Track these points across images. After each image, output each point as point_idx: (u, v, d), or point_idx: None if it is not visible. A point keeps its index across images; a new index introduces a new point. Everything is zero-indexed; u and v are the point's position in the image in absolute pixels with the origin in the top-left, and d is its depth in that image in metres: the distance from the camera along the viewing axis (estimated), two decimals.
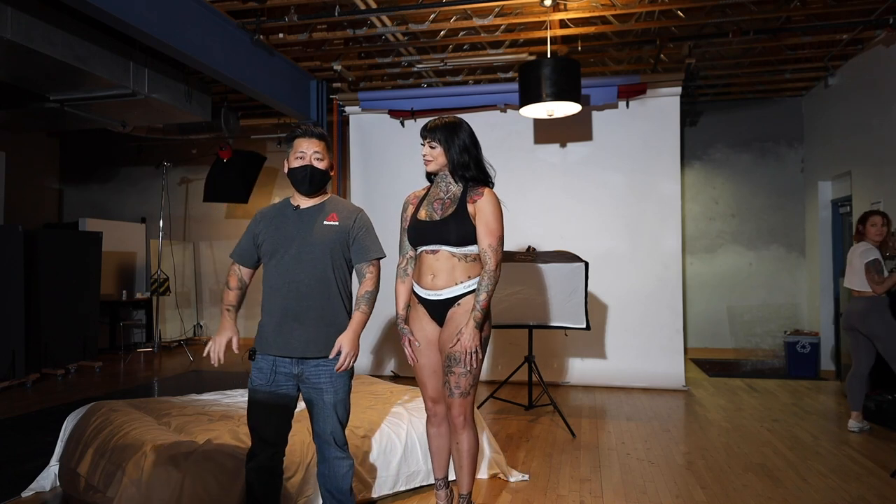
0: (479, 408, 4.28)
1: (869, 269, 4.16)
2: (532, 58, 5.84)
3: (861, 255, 4.23)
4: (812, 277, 7.12)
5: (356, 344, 2.31)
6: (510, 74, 6.55)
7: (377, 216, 7.03)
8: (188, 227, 9.35)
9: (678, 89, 5.99)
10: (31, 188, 9.13)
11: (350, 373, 2.39)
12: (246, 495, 2.39)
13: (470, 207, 2.45)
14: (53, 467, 3.23)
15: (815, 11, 5.10)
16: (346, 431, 2.99)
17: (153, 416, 3.19)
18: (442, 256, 2.46)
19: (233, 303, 2.41)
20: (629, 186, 6.10)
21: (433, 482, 2.76)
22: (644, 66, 6.45)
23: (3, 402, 5.32)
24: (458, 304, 2.45)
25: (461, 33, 5.61)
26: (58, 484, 3.18)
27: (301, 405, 2.41)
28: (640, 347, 5.99)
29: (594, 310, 5.79)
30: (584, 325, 4.62)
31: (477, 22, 5.23)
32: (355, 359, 2.31)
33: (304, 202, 2.39)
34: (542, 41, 5.55)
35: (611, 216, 6.13)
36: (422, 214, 2.52)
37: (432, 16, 5.20)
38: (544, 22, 5.20)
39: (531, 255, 4.72)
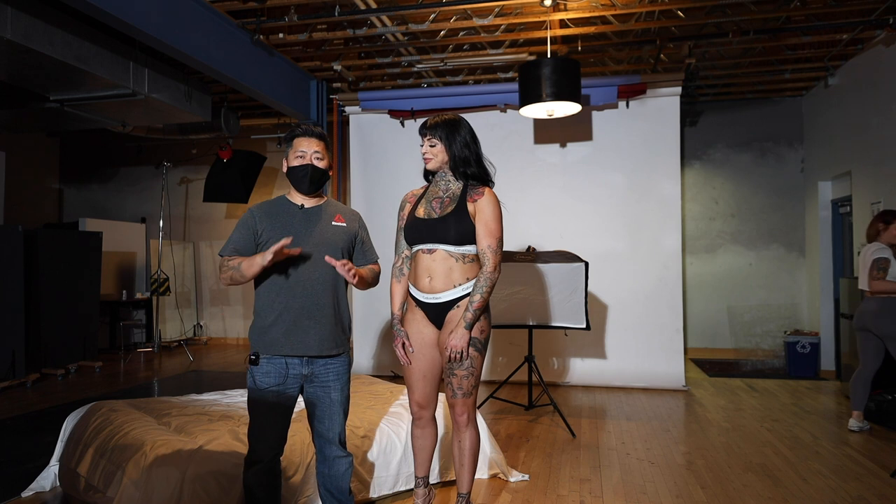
0: (479, 408, 4.28)
1: (872, 266, 4.14)
2: (532, 58, 5.85)
3: (872, 253, 4.20)
4: (812, 277, 7.12)
5: (359, 271, 2.34)
6: (510, 74, 6.55)
7: (377, 216, 7.03)
8: (188, 227, 9.35)
9: (678, 89, 5.99)
10: (31, 188, 9.14)
11: (350, 370, 2.42)
12: (246, 500, 2.35)
13: (470, 206, 2.42)
14: (53, 467, 3.23)
15: (815, 11, 5.10)
16: (346, 431, 3.01)
17: (153, 416, 3.19)
18: (439, 256, 2.43)
19: None
20: (629, 186, 6.10)
21: (433, 482, 2.76)
22: (644, 66, 6.45)
23: (3, 402, 5.32)
24: (458, 307, 2.43)
25: (461, 33, 5.61)
26: (58, 484, 3.18)
27: (298, 405, 2.41)
28: (640, 347, 5.99)
29: (594, 310, 5.79)
30: (584, 325, 4.62)
31: (477, 22, 5.23)
32: (355, 280, 2.27)
33: (307, 202, 2.39)
34: (542, 41, 5.55)
35: (611, 216, 6.13)
36: (420, 212, 2.50)
37: (432, 16, 5.20)
38: (544, 22, 5.20)
39: (531, 255, 4.72)
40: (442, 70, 6.53)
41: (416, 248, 2.50)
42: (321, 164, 2.34)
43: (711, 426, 4.54)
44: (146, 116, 6.65)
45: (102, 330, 8.12)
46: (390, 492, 3.08)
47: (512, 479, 3.38)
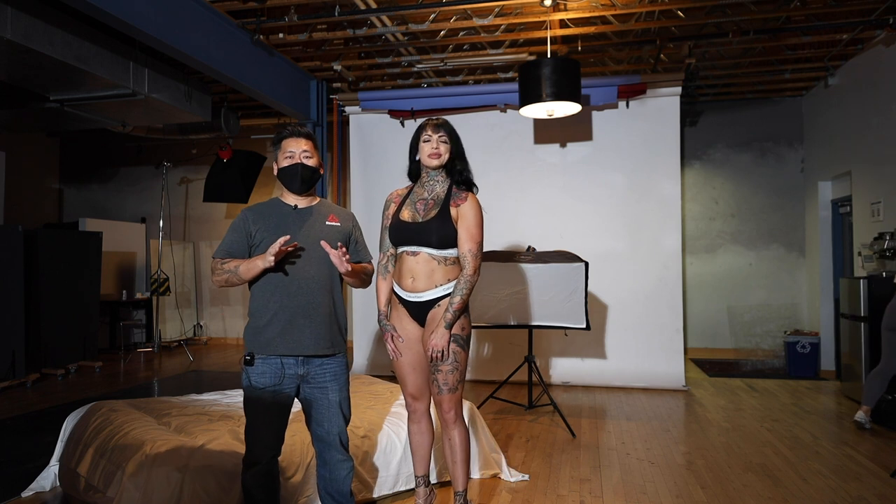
0: (479, 408, 4.28)
1: None
2: (532, 58, 5.85)
3: None
4: (812, 277, 7.12)
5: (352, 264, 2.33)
6: (510, 74, 6.55)
7: (377, 216, 7.01)
8: (188, 227, 9.35)
9: (678, 89, 5.99)
10: (31, 188, 9.14)
11: (348, 371, 2.42)
12: (245, 502, 2.35)
13: (453, 211, 2.50)
14: (53, 467, 3.23)
15: (815, 11, 5.10)
16: (347, 432, 3.00)
17: (153, 416, 3.19)
18: (422, 259, 2.49)
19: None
20: (629, 186, 6.10)
21: (433, 483, 2.77)
22: (644, 66, 6.45)
23: (3, 402, 5.32)
24: (438, 306, 2.50)
25: (461, 33, 5.61)
26: (58, 484, 3.18)
27: (297, 405, 2.41)
28: (640, 347, 5.99)
29: (594, 310, 5.79)
30: (584, 325, 4.62)
31: (477, 22, 5.23)
32: (348, 268, 2.26)
33: (300, 202, 2.39)
34: (542, 41, 5.55)
35: (611, 216, 6.13)
36: (405, 215, 2.55)
37: (432, 16, 5.20)
38: (544, 22, 5.20)
39: (531, 255, 4.72)
40: (442, 70, 6.53)
41: (400, 250, 2.57)
42: (310, 163, 2.35)
43: (711, 426, 4.54)
44: (146, 116, 6.65)
45: (102, 330, 8.12)
46: (390, 492, 3.08)
47: (512, 479, 3.38)
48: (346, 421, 2.40)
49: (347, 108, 6.64)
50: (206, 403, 3.52)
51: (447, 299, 2.48)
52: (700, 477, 3.45)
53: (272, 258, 2.15)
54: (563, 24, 5.33)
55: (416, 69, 6.36)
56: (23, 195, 8.82)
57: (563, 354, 6.17)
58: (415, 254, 2.50)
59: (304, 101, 6.50)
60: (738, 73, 6.54)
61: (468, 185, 2.59)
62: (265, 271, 2.25)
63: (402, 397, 3.58)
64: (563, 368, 6.15)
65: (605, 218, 6.14)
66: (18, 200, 8.58)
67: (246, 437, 2.32)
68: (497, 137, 6.32)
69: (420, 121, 6.21)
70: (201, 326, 9.15)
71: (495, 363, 6.13)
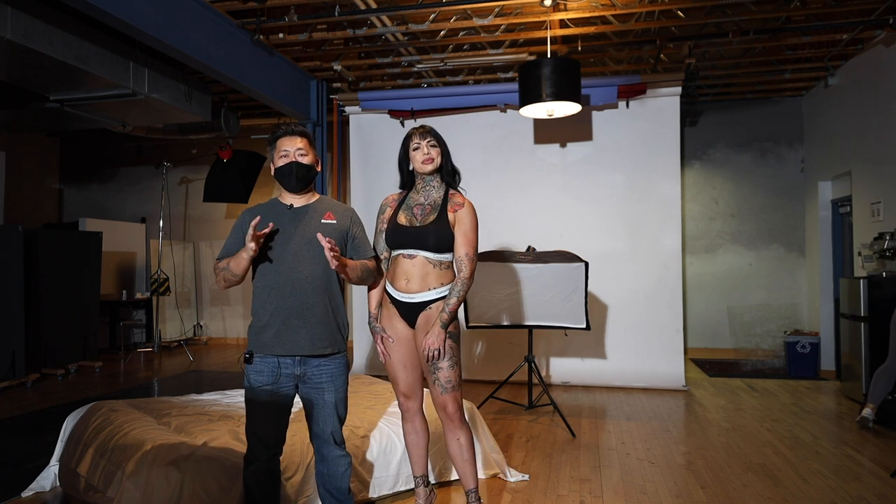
0: (479, 407, 4.28)
1: None
2: (532, 58, 5.84)
3: None
4: (812, 277, 7.12)
5: (343, 259, 2.30)
6: (510, 74, 6.55)
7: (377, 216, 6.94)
8: (188, 227, 9.35)
9: (678, 89, 5.99)
10: (31, 188, 9.14)
11: (347, 371, 2.42)
12: (245, 499, 2.37)
13: (450, 216, 2.53)
14: (53, 467, 3.23)
15: (815, 11, 5.10)
16: (346, 431, 3.00)
17: (153, 416, 3.19)
18: (418, 262, 2.52)
19: None
20: (629, 186, 6.10)
21: (432, 483, 2.77)
22: (644, 66, 6.44)
23: (3, 402, 5.32)
24: (430, 308, 2.52)
25: (461, 33, 5.60)
26: (58, 484, 3.18)
27: (297, 405, 2.41)
28: (640, 347, 5.99)
29: (594, 310, 5.79)
30: (584, 325, 4.62)
31: (477, 22, 5.23)
32: (336, 263, 2.22)
33: (297, 201, 2.40)
34: (542, 41, 5.55)
35: (611, 216, 6.13)
36: (402, 219, 2.57)
37: (432, 16, 5.20)
38: (544, 22, 5.20)
39: (531, 255, 4.72)
40: (442, 70, 6.53)
41: (396, 252, 2.58)
42: (305, 160, 2.35)
43: (711, 426, 4.54)
44: (146, 116, 6.65)
45: (102, 330, 8.12)
46: (390, 492, 3.08)
47: (512, 479, 3.38)
48: (341, 421, 2.40)
49: (347, 108, 6.64)
50: (206, 403, 3.52)
51: (439, 302, 2.50)
52: (700, 477, 3.45)
53: (252, 245, 2.17)
54: (563, 24, 5.33)
55: (416, 69, 6.36)
56: (23, 195, 8.82)
57: (563, 354, 6.17)
58: (411, 257, 2.53)
59: (304, 101, 6.50)
60: (738, 73, 6.54)
61: (455, 185, 2.63)
62: (261, 272, 2.31)
63: None
64: (563, 368, 6.15)
65: (605, 218, 6.14)
66: (18, 200, 8.58)
67: (246, 435, 2.35)
68: (497, 137, 6.31)
69: (421, 121, 6.26)
70: (201, 326, 9.15)
71: (495, 363, 6.13)
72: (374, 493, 3.01)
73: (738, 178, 7.54)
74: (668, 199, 6.02)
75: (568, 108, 5.07)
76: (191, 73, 6.26)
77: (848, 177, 6.25)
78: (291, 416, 2.41)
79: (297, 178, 2.35)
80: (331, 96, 6.72)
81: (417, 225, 2.53)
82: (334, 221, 2.39)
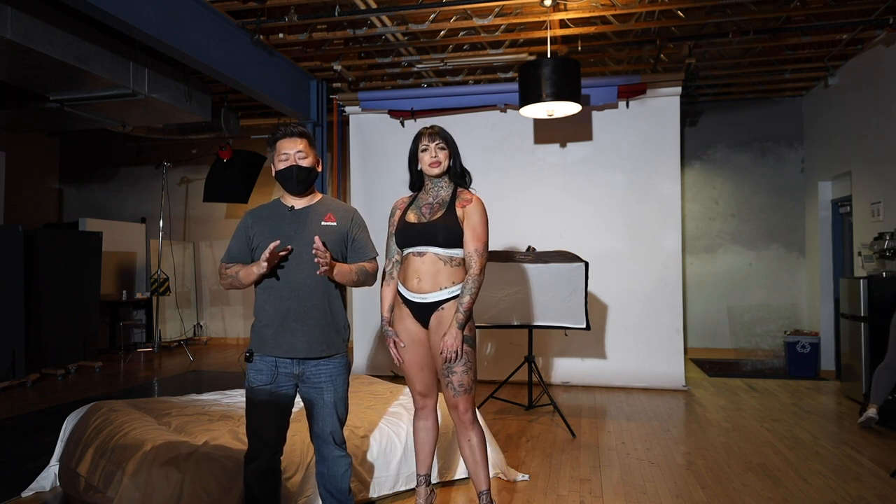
0: (479, 407, 4.28)
1: None
2: (532, 58, 5.84)
3: None
4: (812, 277, 7.13)
5: (332, 265, 2.26)
6: (510, 74, 6.55)
7: (377, 216, 7.01)
8: (188, 227, 9.35)
9: (678, 89, 5.99)
10: (31, 188, 9.14)
11: (347, 371, 2.42)
12: (245, 498, 2.38)
13: (459, 211, 2.52)
14: (53, 467, 3.23)
15: (815, 11, 5.10)
16: (346, 431, 3.00)
17: (153, 416, 3.19)
18: (428, 259, 2.51)
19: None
20: (629, 186, 6.10)
21: (433, 482, 2.76)
22: (644, 66, 6.44)
23: (3, 402, 5.32)
24: (442, 309, 2.50)
25: (461, 33, 5.60)
26: (58, 484, 3.18)
27: (298, 405, 2.41)
28: (640, 347, 5.99)
29: (594, 310, 5.79)
30: (584, 325, 4.62)
31: (477, 22, 5.23)
32: (326, 269, 2.21)
33: (298, 202, 2.40)
34: (542, 41, 5.55)
35: (611, 216, 6.13)
36: (410, 217, 2.58)
37: (432, 16, 5.20)
38: (544, 22, 5.20)
39: (531, 255, 4.72)
40: (442, 70, 6.53)
41: (406, 251, 2.58)
42: (305, 163, 2.35)
43: (711, 426, 4.54)
44: (146, 116, 6.65)
45: (102, 330, 8.12)
46: (390, 492, 3.08)
47: (512, 479, 3.37)
48: (342, 422, 2.39)
49: (347, 108, 6.64)
50: (206, 403, 3.52)
51: (452, 302, 2.49)
52: (700, 477, 3.45)
53: (265, 264, 2.20)
54: (563, 24, 5.33)
55: (416, 69, 6.36)
56: (23, 195, 8.82)
57: (563, 354, 6.17)
58: (421, 254, 2.52)
59: (304, 101, 6.50)
60: (738, 73, 6.54)
61: (465, 184, 2.63)
62: (263, 275, 2.30)
63: (401, 397, 3.60)
64: (563, 368, 6.15)
65: (605, 218, 6.14)
66: (18, 200, 8.58)
67: (247, 434, 2.36)
68: (497, 137, 6.31)
69: (421, 121, 6.25)
70: (201, 326, 9.15)
71: (495, 363, 6.13)
72: (374, 493, 3.02)
73: (738, 178, 7.54)
74: (668, 199, 6.02)
75: (568, 108, 5.07)
76: (191, 73, 6.26)
77: (848, 177, 6.25)
78: (292, 416, 2.41)
79: (298, 181, 2.35)
80: (331, 96, 6.72)
81: (426, 221, 2.52)
82: (334, 223, 2.38)
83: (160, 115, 6.59)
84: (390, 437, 3.11)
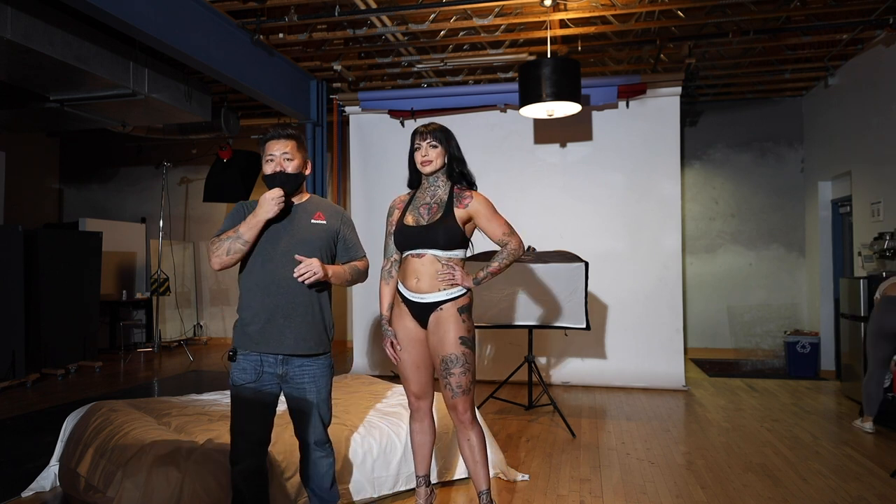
0: (479, 408, 4.28)
1: None
2: (532, 58, 5.84)
3: None
4: (812, 277, 7.12)
5: (324, 271, 2.26)
6: (510, 74, 6.55)
7: (377, 216, 6.99)
8: (188, 227, 9.35)
9: (678, 89, 5.99)
10: (31, 188, 9.14)
11: (331, 373, 2.41)
12: (233, 499, 2.36)
13: (459, 212, 2.52)
14: (53, 467, 3.23)
15: (815, 11, 5.10)
16: (346, 431, 3.00)
17: (153, 416, 3.19)
18: (427, 260, 2.51)
19: None
20: (629, 186, 6.10)
21: (433, 482, 2.76)
22: (644, 66, 6.44)
23: (3, 402, 5.32)
24: (441, 309, 2.51)
25: (461, 33, 5.60)
26: (58, 484, 3.18)
27: (284, 405, 2.41)
28: (640, 347, 5.99)
29: (594, 310, 5.79)
30: (584, 325, 4.62)
31: (477, 22, 5.23)
32: (315, 279, 2.23)
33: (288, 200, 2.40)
34: (542, 41, 5.55)
35: (611, 216, 6.13)
36: (408, 220, 2.57)
37: (432, 16, 5.20)
38: (544, 22, 5.20)
39: (531, 255, 4.72)
40: (442, 70, 6.53)
41: (405, 254, 2.58)
42: (291, 166, 2.33)
43: (711, 426, 4.54)
44: (146, 116, 6.65)
45: (102, 330, 8.11)
46: (390, 492, 3.08)
47: (512, 479, 3.37)
48: (324, 423, 2.38)
49: (347, 108, 6.64)
50: (206, 403, 3.52)
51: (451, 303, 2.49)
52: (700, 477, 3.45)
53: (274, 201, 2.21)
54: (563, 24, 5.33)
55: (416, 69, 6.36)
56: (23, 195, 8.82)
57: (563, 354, 6.17)
58: (420, 256, 2.52)
59: (304, 101, 6.50)
60: (738, 73, 6.54)
61: (471, 183, 2.62)
62: (249, 270, 2.31)
63: (401, 397, 3.59)
64: (563, 368, 6.15)
65: (605, 218, 6.14)
66: (18, 200, 8.58)
67: (231, 434, 2.33)
68: (497, 137, 6.31)
69: (421, 121, 6.25)
70: (201, 326, 9.15)
71: (495, 363, 6.13)
72: (374, 493, 3.01)
73: (738, 178, 7.54)
74: (668, 199, 6.02)
75: (568, 108, 5.07)
76: (191, 73, 6.26)
77: (848, 177, 6.25)
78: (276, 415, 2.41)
79: (282, 184, 2.31)
80: (331, 96, 6.72)
81: (424, 224, 2.52)
82: (324, 222, 2.38)
83: (160, 115, 6.59)
84: (390, 436, 3.11)
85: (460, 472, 3.30)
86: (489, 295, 4.72)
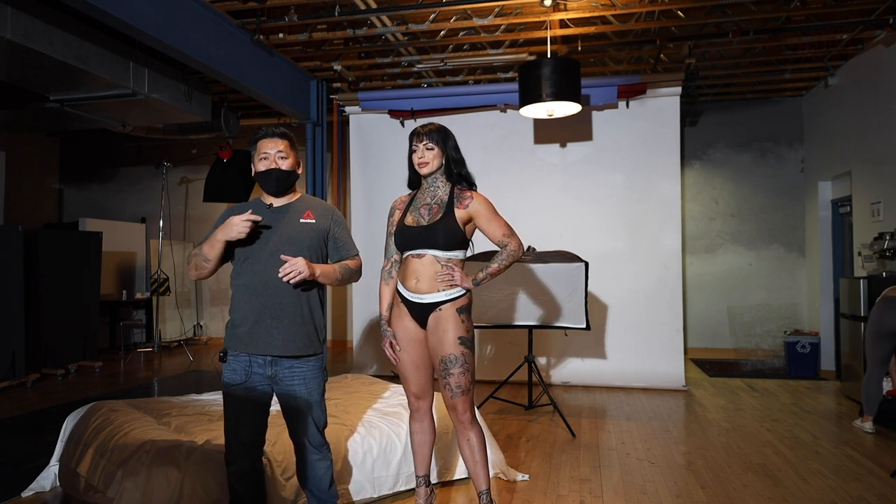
0: (479, 408, 4.28)
1: None
2: (532, 58, 5.84)
3: None
4: (812, 277, 7.13)
5: (311, 270, 2.23)
6: (510, 74, 6.55)
7: (377, 216, 6.99)
8: (188, 227, 9.35)
9: (678, 89, 5.99)
10: (31, 188, 9.14)
11: (323, 375, 2.39)
12: (230, 500, 2.35)
13: (460, 213, 2.52)
14: (53, 467, 3.23)
15: (815, 11, 5.10)
16: (346, 431, 3.00)
17: (153, 416, 3.20)
18: (427, 261, 2.51)
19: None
20: (629, 186, 6.10)
21: (433, 482, 2.76)
22: (644, 66, 6.44)
23: (3, 402, 5.32)
24: (440, 310, 2.51)
25: (461, 33, 5.60)
26: (58, 484, 3.18)
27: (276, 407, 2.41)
28: (640, 347, 5.99)
29: (594, 310, 5.79)
30: (584, 325, 4.62)
31: (477, 22, 5.23)
32: (300, 278, 2.21)
33: (277, 201, 2.39)
34: (542, 41, 5.55)
35: (611, 216, 6.13)
36: (409, 220, 2.57)
37: (432, 16, 5.20)
38: (544, 22, 5.20)
39: (531, 255, 4.71)
40: (442, 70, 6.53)
41: (406, 254, 2.58)
42: (286, 164, 2.34)
43: (711, 426, 4.54)
44: (146, 116, 6.65)
45: (102, 330, 8.11)
46: (390, 492, 3.08)
47: (512, 479, 3.37)
48: (318, 425, 2.36)
49: (347, 108, 6.64)
50: (206, 403, 3.52)
51: (450, 304, 2.49)
52: (700, 477, 3.45)
53: (241, 229, 2.17)
54: (563, 24, 5.33)
55: (416, 69, 6.36)
56: (23, 195, 8.82)
57: (563, 354, 6.17)
58: (420, 256, 2.52)
59: (304, 101, 6.50)
60: (738, 73, 6.54)
61: (470, 183, 2.62)
62: (235, 262, 2.31)
63: (402, 397, 3.59)
64: (563, 368, 6.15)
65: (605, 218, 6.14)
66: (18, 200, 8.58)
67: (225, 435, 2.33)
68: (497, 137, 6.31)
69: (421, 121, 6.25)
70: (201, 326, 9.15)
71: (495, 363, 6.13)
72: (374, 493, 3.01)
73: (738, 178, 7.54)
74: (668, 199, 6.02)
75: (568, 108, 5.07)
76: (191, 73, 6.26)
77: (848, 177, 6.25)
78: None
79: (277, 182, 2.34)
80: (331, 96, 6.72)
81: (424, 224, 2.52)
82: (313, 221, 2.37)
83: (160, 115, 6.59)
84: (390, 436, 3.11)
85: (460, 472, 3.30)
86: (489, 295, 4.72)
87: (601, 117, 6.14)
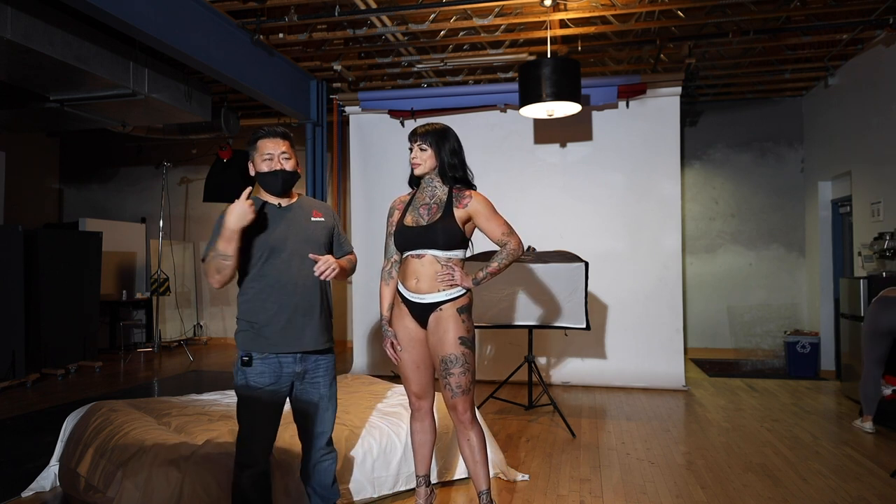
0: (479, 407, 4.28)
1: None
2: (532, 58, 5.84)
3: None
4: (812, 277, 7.12)
5: (339, 266, 2.31)
6: (510, 74, 6.55)
7: (377, 216, 6.99)
8: (188, 227, 9.35)
9: (678, 89, 5.99)
10: (31, 188, 9.14)
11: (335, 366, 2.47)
12: (233, 502, 2.33)
13: (459, 213, 2.52)
14: (53, 467, 3.23)
15: (815, 11, 5.10)
16: (346, 431, 3.01)
17: (153, 416, 3.20)
18: (427, 261, 2.52)
19: None
20: (629, 186, 6.10)
21: (433, 482, 2.76)
22: (644, 66, 6.44)
23: (3, 402, 5.32)
24: (440, 310, 2.51)
25: (461, 33, 5.60)
26: (58, 484, 3.18)
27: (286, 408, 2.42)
28: (640, 347, 5.99)
29: (594, 310, 5.79)
30: (584, 325, 4.62)
31: (477, 22, 5.23)
32: (335, 274, 2.27)
33: (283, 201, 2.40)
34: (542, 41, 5.55)
35: (611, 216, 6.13)
36: (408, 220, 2.57)
37: (432, 16, 5.20)
38: (544, 22, 5.20)
39: (531, 255, 4.71)
40: (442, 70, 6.53)
41: (406, 254, 2.59)
42: (289, 165, 2.35)
43: (711, 426, 4.54)
44: (146, 116, 6.65)
45: (102, 330, 8.11)
46: (390, 492, 3.08)
47: (512, 479, 3.37)
48: (332, 421, 2.44)
49: (347, 108, 6.64)
50: (206, 403, 3.52)
51: (450, 304, 2.50)
52: (700, 477, 3.45)
53: (248, 206, 2.14)
54: (563, 24, 5.33)
55: (416, 69, 6.36)
56: (23, 195, 8.82)
57: (563, 354, 6.17)
58: (420, 256, 2.52)
59: (304, 101, 6.50)
60: (738, 73, 6.54)
61: (468, 184, 2.62)
62: (256, 274, 2.29)
63: (402, 397, 3.59)
64: (563, 368, 6.15)
65: (605, 218, 6.14)
66: (18, 200, 8.58)
67: (242, 439, 2.31)
68: (497, 137, 6.31)
69: (421, 121, 6.25)
70: (201, 326, 9.15)
71: (495, 363, 6.13)
72: (374, 493, 3.01)
73: (738, 178, 7.54)
74: (668, 199, 6.02)
75: (568, 108, 5.07)
76: (191, 73, 6.26)
77: (848, 177, 6.25)
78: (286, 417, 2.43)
79: (283, 185, 2.35)
80: (331, 96, 6.72)
81: (424, 224, 2.53)
82: (322, 219, 2.42)
83: (160, 115, 6.59)
84: (390, 436, 3.11)
85: (460, 472, 3.30)
86: (489, 295, 4.72)
87: (601, 117, 6.14)
